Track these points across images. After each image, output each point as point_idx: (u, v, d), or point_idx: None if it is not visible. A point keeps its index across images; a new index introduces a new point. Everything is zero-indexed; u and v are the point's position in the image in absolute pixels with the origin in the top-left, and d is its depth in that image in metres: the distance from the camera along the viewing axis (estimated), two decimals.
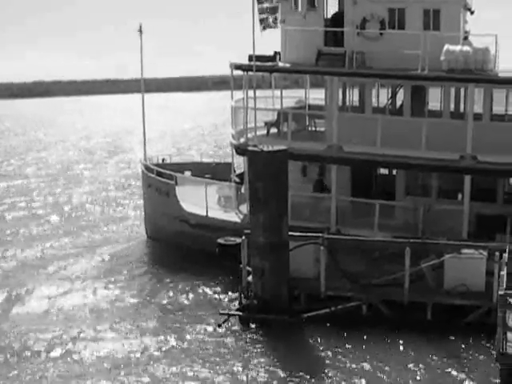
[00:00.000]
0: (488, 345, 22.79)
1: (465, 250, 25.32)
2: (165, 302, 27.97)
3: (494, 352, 20.99)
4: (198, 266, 31.10)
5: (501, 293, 20.94)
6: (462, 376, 21.24)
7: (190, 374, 21.54)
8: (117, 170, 60.85)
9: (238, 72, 32.77)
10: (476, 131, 28.52)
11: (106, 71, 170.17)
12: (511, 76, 30.00)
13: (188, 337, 24.35)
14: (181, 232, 33.60)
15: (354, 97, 34.46)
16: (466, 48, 29.13)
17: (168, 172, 35.55)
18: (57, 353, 23.24)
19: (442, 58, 28.88)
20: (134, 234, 38.64)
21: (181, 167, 38.93)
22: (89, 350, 23.42)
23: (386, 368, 21.76)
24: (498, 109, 32.05)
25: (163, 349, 23.42)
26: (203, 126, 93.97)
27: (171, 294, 28.77)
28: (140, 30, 35.50)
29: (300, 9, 32.19)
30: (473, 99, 29.31)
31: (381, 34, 30.86)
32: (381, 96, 34.34)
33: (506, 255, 24.20)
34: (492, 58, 29.33)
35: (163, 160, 41.45)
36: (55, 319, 26.41)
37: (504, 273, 22.82)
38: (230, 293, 28.33)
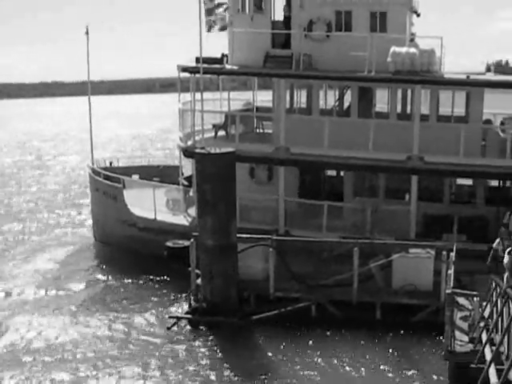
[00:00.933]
0: (436, 343, 22.93)
1: (412, 250, 25.55)
2: (113, 306, 27.69)
3: (442, 350, 21.20)
4: (146, 269, 30.89)
5: (448, 291, 21.11)
6: (412, 374, 21.36)
7: (140, 377, 21.36)
8: (64, 174, 60.28)
9: (186, 74, 32.64)
10: (423, 132, 28.78)
11: (52, 73, 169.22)
12: (457, 77, 30.37)
13: (137, 340, 24.15)
14: (129, 236, 33.35)
15: (301, 99, 34.56)
16: (413, 50, 29.35)
17: (116, 175, 35.30)
18: None
19: (389, 59, 29.07)
20: (82, 238, 38.26)
21: (128, 171, 38.63)
22: (32, 352, 23.21)
23: (336, 368, 21.82)
24: (445, 110, 32.36)
25: (112, 353, 23.18)
26: (152, 129, 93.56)
27: (120, 298, 28.52)
28: (87, 32, 35.19)
29: (247, 11, 32.15)
30: (419, 100, 29.57)
31: (328, 36, 30.99)
32: (328, 98, 34.50)
33: (452, 254, 24.42)
34: (438, 59, 29.57)
35: (111, 163, 41.11)
36: None
37: (451, 272, 23.04)
38: (179, 296, 28.15)
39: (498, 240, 21.08)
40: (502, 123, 31.26)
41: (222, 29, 31.26)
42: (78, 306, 27.74)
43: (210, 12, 30.62)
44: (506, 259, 17.27)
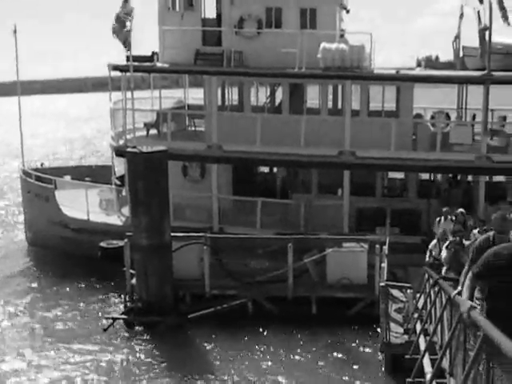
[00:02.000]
0: (372, 335, 23.13)
1: (346, 244, 25.71)
2: (47, 308, 27.26)
3: (378, 342, 21.42)
4: (81, 271, 30.54)
5: (382, 284, 21.35)
6: (349, 367, 21.48)
7: (77, 379, 21.10)
8: None
9: (118, 73, 32.40)
10: (354, 127, 29.00)
11: None
12: (386, 72, 30.68)
13: (73, 343, 23.83)
14: (62, 237, 32.91)
15: (233, 96, 34.57)
16: (342, 46, 29.51)
17: (47, 176, 34.85)
18: None
19: (319, 55, 29.18)
20: (14, 240, 37.64)
21: (60, 171, 38.14)
22: None
23: (274, 364, 21.83)
24: (376, 105, 32.68)
25: (49, 355, 22.85)
26: (84, 129, 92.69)
27: (54, 300, 28.09)
28: (15, 31, 34.64)
29: (178, 9, 32.03)
30: (350, 96, 29.77)
31: (258, 33, 31.03)
32: (260, 95, 34.59)
33: (386, 248, 24.67)
34: (367, 55, 29.80)
35: (42, 164, 40.57)
36: None
37: (385, 265, 23.28)
38: (114, 297, 27.89)
39: (434, 242, 20.54)
40: (432, 117, 31.67)
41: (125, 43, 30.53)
42: (11, 310, 27.24)
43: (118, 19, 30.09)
44: (443, 253, 17.49)
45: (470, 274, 8.82)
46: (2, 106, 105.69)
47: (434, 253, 19.96)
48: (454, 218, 22.77)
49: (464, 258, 14.46)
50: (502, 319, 7.76)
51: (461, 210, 23.16)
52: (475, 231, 19.26)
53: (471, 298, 8.60)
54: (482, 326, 7.72)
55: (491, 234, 10.59)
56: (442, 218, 23.59)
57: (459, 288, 9.94)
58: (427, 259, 20.36)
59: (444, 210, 23.95)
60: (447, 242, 17.75)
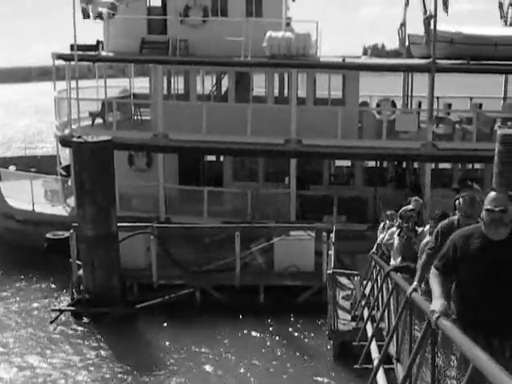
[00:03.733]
0: (320, 323, 23.23)
1: (293, 232, 25.76)
2: None
3: (326, 329, 21.50)
4: (26, 262, 30.11)
5: (329, 272, 21.45)
6: (297, 355, 21.54)
7: (24, 372, 20.82)
8: None
9: (62, 62, 32.03)
10: (300, 115, 29.02)
11: None
12: (332, 60, 30.77)
13: (18, 336, 23.54)
14: (7, 229, 32.47)
15: (179, 85, 34.42)
16: (288, 34, 29.52)
17: None
18: None
19: (265, 44, 29.14)
20: None
21: (5, 162, 37.68)
22: None
23: (223, 353, 21.78)
24: (322, 93, 32.77)
25: None
26: (30, 119, 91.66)
27: None
28: None
29: None
30: (296, 84, 29.80)
31: (204, 21, 30.89)
32: (206, 83, 34.46)
33: (332, 235, 24.78)
34: (313, 43, 29.83)
35: None
36: None
37: (332, 252, 23.38)
38: (61, 288, 27.57)
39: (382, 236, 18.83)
40: (378, 105, 31.87)
41: (98, 17, 30.59)
42: None
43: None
44: (395, 242, 15.95)
45: (433, 270, 8.00)
46: None
47: (383, 247, 18.41)
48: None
49: (417, 247, 13.70)
50: (474, 307, 7.47)
51: (415, 197, 22.08)
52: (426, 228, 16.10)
53: (446, 296, 7.68)
54: (454, 339, 6.91)
55: (455, 217, 10.00)
56: (387, 221, 20.29)
57: (415, 283, 9.38)
58: (374, 251, 19.55)
59: (388, 213, 20.53)
60: (398, 230, 16.36)
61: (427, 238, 12.38)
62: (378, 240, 19.44)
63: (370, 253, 19.85)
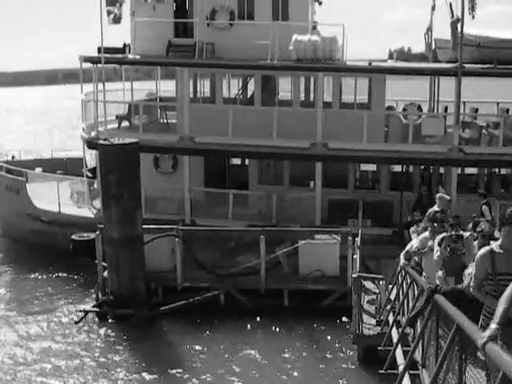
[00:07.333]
0: (345, 327, 23.16)
1: (318, 236, 25.72)
2: (19, 301, 27.13)
3: (350, 334, 21.45)
4: (52, 263, 30.36)
5: (354, 276, 21.40)
6: (321, 359, 21.51)
7: (50, 373, 20.93)
8: None
9: (89, 65, 32.23)
10: (326, 119, 28.97)
11: None
12: (358, 64, 30.68)
13: (45, 336, 23.71)
14: (34, 230, 32.71)
15: (205, 88, 34.49)
16: (315, 37, 29.47)
17: (18, 169, 34.61)
18: None
19: (291, 47, 29.13)
20: None
21: (32, 164, 37.91)
22: None
23: (247, 357, 21.80)
24: (348, 97, 32.71)
25: (21, 349, 22.70)
26: (54, 121, 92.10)
27: (26, 293, 27.93)
28: None
29: (149, 0, 31.88)
30: (322, 88, 29.74)
31: (230, 24, 30.94)
32: (232, 86, 34.52)
33: (358, 239, 24.72)
34: (340, 47, 29.77)
35: (13, 157, 40.25)
36: None
37: (357, 256, 23.32)
38: (86, 289, 27.73)
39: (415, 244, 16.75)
40: (404, 109, 31.74)
41: (116, 21, 30.64)
42: None
43: (111, 2, 30.20)
44: (435, 252, 13.94)
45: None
46: None
47: (416, 258, 16.46)
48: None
49: (466, 258, 12.43)
50: None
51: (440, 195, 20.12)
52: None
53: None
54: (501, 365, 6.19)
55: None
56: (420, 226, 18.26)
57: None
58: (403, 261, 17.39)
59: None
60: (438, 238, 14.25)
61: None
62: (408, 247, 17.39)
63: (401, 263, 17.84)
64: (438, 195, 19.93)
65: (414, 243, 16.54)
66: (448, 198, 20.44)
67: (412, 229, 20.08)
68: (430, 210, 17.37)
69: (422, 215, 20.26)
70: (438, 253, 13.85)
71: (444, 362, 8.92)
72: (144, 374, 20.69)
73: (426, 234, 15.83)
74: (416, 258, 16.44)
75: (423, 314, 11.86)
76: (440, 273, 13.60)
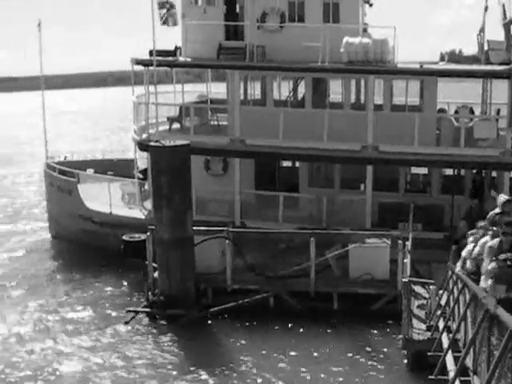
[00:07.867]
0: (394, 332, 23.03)
1: (369, 239, 25.61)
2: (70, 301, 27.43)
3: (400, 339, 21.32)
4: (103, 264, 30.67)
5: (405, 280, 21.30)
6: (370, 363, 21.40)
7: (100, 372, 21.16)
8: (18, 169, 59.51)
9: (140, 67, 32.48)
10: (377, 122, 28.84)
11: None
12: (410, 67, 30.49)
13: (96, 335, 23.96)
14: (85, 230, 33.09)
15: (255, 90, 34.55)
16: (366, 40, 29.39)
17: (70, 170, 34.99)
18: None
19: (342, 50, 29.07)
20: (37, 233, 37.74)
21: (83, 165, 38.25)
22: None
23: (295, 359, 21.79)
24: (399, 99, 32.54)
25: (72, 347, 23.01)
26: (105, 123, 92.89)
27: (77, 293, 28.24)
28: (39, 25, 34.71)
29: (200, 3, 32.03)
30: (372, 90, 29.61)
31: (281, 27, 30.95)
32: (282, 89, 34.53)
33: (408, 243, 24.55)
34: (391, 49, 29.63)
35: (65, 158, 40.67)
36: None
37: (407, 260, 23.16)
38: (137, 290, 27.95)
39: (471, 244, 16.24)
40: (456, 112, 31.46)
41: (174, 24, 31.01)
42: (36, 303, 27.29)
43: (161, 5, 30.44)
44: (489, 265, 13.21)
45: None
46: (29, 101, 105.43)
47: (468, 265, 15.77)
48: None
49: None
50: None
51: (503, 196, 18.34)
52: None
53: None
54: None
55: None
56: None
57: None
58: (459, 269, 16.59)
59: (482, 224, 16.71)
60: (493, 243, 13.77)
61: None
62: (464, 253, 16.56)
63: (455, 269, 17.19)
64: (501, 197, 18.65)
65: (475, 249, 15.60)
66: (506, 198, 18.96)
67: (468, 233, 18.35)
68: (491, 213, 16.79)
69: (468, 228, 19.46)
70: (494, 263, 13.08)
71: (496, 370, 8.83)
72: (193, 375, 20.82)
73: (487, 238, 15.03)
74: (472, 265, 15.51)
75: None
76: (490, 281, 12.92)
